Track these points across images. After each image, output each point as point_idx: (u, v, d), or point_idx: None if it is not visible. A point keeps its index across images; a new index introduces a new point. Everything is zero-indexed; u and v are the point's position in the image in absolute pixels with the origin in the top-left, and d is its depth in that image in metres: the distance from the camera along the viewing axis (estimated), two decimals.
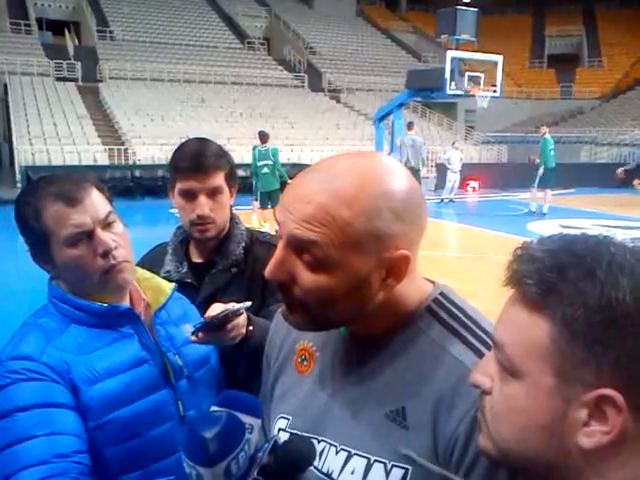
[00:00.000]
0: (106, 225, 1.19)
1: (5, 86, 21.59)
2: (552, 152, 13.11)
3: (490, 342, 0.81)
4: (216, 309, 1.20)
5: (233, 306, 1.19)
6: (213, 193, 1.58)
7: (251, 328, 1.28)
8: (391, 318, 0.86)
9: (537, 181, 13.16)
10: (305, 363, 0.97)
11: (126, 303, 1.26)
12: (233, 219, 1.68)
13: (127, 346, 1.20)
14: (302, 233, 0.77)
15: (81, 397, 1.12)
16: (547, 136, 13.22)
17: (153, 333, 1.26)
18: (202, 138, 1.67)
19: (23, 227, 1.18)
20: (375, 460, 0.82)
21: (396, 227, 0.78)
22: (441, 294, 0.89)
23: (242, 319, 1.25)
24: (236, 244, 1.64)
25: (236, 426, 0.81)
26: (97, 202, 1.19)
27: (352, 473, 0.83)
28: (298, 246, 0.79)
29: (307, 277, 0.79)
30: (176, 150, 1.63)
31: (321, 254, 0.77)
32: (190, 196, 1.57)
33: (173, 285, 1.37)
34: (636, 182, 12.39)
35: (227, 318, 1.18)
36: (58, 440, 1.05)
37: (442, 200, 15.66)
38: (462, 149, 17.46)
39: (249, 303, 1.22)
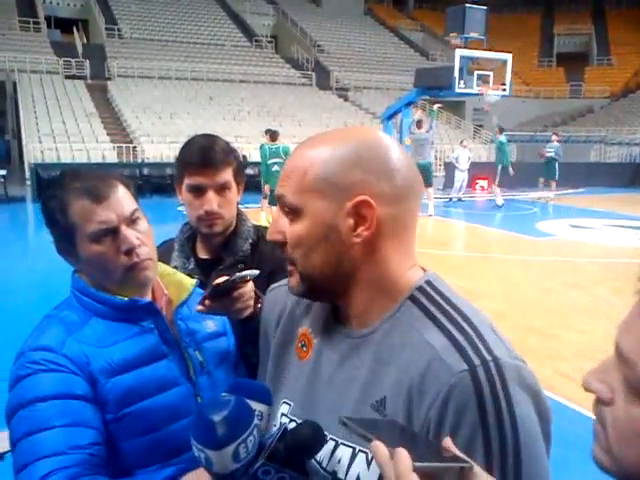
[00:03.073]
0: (131, 222, 1.19)
1: (14, 84, 21.71)
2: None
3: (466, 327, 0.80)
4: (223, 278, 1.18)
5: (241, 272, 1.17)
6: (221, 189, 1.58)
7: (259, 305, 1.26)
8: (380, 299, 0.87)
9: (498, 178, 14.65)
10: (304, 349, 0.98)
11: (148, 298, 1.25)
12: (240, 215, 1.68)
13: (147, 340, 1.20)
14: (279, 189, 0.88)
15: (99, 389, 1.12)
16: (501, 138, 14.80)
17: (174, 328, 1.25)
18: (209, 134, 1.67)
19: (48, 219, 1.18)
20: (359, 450, 0.83)
21: (355, 175, 0.83)
22: (427, 282, 0.88)
23: (249, 289, 1.22)
24: (243, 240, 1.64)
25: (245, 410, 0.82)
26: (123, 199, 1.19)
27: (339, 462, 0.85)
28: (281, 204, 0.89)
29: (288, 230, 0.87)
30: (184, 146, 1.63)
31: (288, 203, 0.86)
32: (198, 191, 1.57)
33: (195, 281, 1.35)
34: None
35: (235, 284, 1.17)
36: (75, 432, 1.05)
37: (450, 199, 15.62)
38: (470, 148, 17.41)
39: (257, 271, 1.19)
